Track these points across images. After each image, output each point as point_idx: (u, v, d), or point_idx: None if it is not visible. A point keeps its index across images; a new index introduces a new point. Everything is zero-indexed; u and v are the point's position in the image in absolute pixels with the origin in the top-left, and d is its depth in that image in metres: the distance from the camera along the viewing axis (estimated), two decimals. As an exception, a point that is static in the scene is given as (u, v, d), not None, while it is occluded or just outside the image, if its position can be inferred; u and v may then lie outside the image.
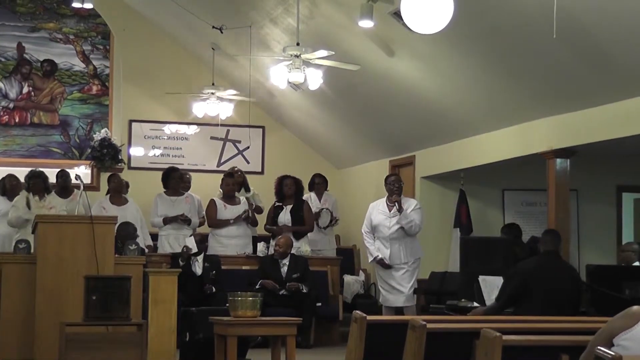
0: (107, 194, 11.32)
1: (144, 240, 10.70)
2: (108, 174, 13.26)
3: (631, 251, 9.58)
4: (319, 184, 12.22)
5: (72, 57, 14.24)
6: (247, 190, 11.79)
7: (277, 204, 11.19)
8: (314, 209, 11.66)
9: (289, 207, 11.08)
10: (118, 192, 11.09)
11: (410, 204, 9.92)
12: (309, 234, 11.25)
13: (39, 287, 7.78)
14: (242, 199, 11.29)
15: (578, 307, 7.49)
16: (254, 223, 11.40)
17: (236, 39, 11.66)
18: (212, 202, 11.14)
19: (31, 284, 7.83)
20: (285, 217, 11.01)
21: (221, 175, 11.63)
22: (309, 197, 11.91)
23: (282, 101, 13.29)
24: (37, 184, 10.22)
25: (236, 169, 12.16)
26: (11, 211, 10.23)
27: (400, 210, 9.84)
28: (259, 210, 11.66)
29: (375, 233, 10.03)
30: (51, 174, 11.02)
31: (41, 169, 10.71)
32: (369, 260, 10.35)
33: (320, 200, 12.05)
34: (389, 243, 9.95)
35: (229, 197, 11.16)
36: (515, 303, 7.28)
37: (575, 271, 7.84)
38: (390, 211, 9.96)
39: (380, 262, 9.99)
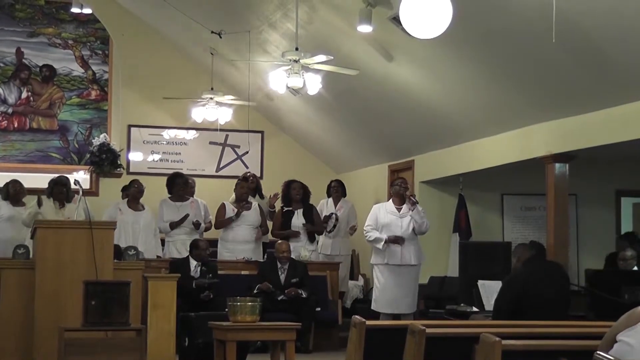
0: (124, 198, 11.28)
1: (155, 249, 10.66)
2: (107, 179, 13.29)
3: (629, 259, 9.58)
4: (335, 188, 12.15)
5: (71, 62, 14.25)
6: (261, 196, 11.79)
7: (285, 209, 11.13)
8: (326, 214, 11.67)
9: (300, 211, 11.06)
10: (136, 198, 11.02)
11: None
12: (320, 238, 11.25)
13: (38, 292, 7.78)
14: (255, 204, 11.24)
15: (569, 304, 7.48)
16: (265, 230, 11.36)
17: (235, 44, 11.66)
18: (222, 206, 11.12)
19: (30, 289, 7.83)
20: (298, 221, 10.99)
21: (220, 180, 11.64)
22: (326, 202, 11.91)
23: (281, 106, 13.29)
24: (60, 191, 10.05)
25: (249, 174, 12.09)
26: (28, 211, 10.10)
27: (415, 202, 9.75)
28: (272, 215, 11.63)
29: (385, 233, 9.77)
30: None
31: (66, 176, 10.49)
32: (380, 245, 9.80)
33: (335, 206, 12.01)
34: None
35: (241, 202, 11.13)
36: (513, 315, 7.25)
37: (562, 268, 7.82)
38: (399, 212, 9.84)
39: (394, 240, 9.67)
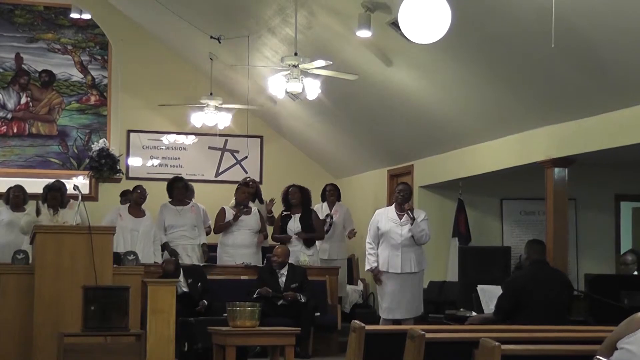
0: (126, 203, 11.21)
1: (154, 256, 10.59)
2: (106, 184, 13.28)
3: (629, 264, 9.58)
4: (331, 192, 12.19)
5: (70, 67, 14.27)
6: (261, 201, 11.79)
7: (284, 212, 11.15)
8: (321, 217, 11.67)
9: (298, 215, 11.06)
10: (138, 204, 10.88)
11: (419, 214, 9.78)
12: (317, 243, 11.26)
13: (37, 297, 7.78)
14: (255, 209, 11.25)
15: (569, 312, 7.51)
16: (265, 235, 11.37)
17: (234, 49, 11.67)
18: (222, 211, 11.07)
19: (29, 294, 7.82)
20: (294, 225, 10.98)
21: (219, 185, 11.62)
22: (320, 206, 11.92)
23: (280, 111, 13.30)
24: (54, 197, 9.93)
25: (250, 179, 12.09)
26: (25, 218, 10.05)
27: (413, 218, 9.63)
28: (272, 221, 11.64)
29: (385, 241, 9.71)
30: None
31: (62, 181, 10.35)
32: (366, 269, 10.05)
33: (331, 210, 12.04)
34: (400, 251, 9.64)
35: (241, 206, 11.12)
36: (512, 316, 7.28)
37: (565, 276, 7.85)
38: (400, 219, 9.75)
39: (375, 272, 9.76)
